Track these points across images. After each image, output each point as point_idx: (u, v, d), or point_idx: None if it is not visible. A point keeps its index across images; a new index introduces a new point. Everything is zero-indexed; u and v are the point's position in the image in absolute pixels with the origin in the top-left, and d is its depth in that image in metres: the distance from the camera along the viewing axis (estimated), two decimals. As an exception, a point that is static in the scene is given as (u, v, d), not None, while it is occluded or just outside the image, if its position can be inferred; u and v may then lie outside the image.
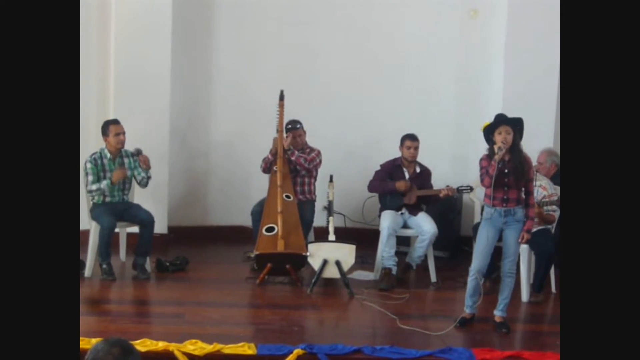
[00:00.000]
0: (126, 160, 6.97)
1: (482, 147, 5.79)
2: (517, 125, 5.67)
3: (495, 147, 5.57)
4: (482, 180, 5.72)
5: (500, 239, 5.79)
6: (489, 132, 5.66)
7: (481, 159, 5.74)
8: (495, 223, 5.68)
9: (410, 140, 7.20)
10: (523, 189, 5.70)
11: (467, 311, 5.84)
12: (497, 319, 5.79)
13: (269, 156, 7.45)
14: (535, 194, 6.51)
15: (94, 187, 6.79)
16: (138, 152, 6.98)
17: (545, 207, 6.51)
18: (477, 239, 5.84)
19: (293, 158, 7.37)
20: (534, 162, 6.99)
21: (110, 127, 6.87)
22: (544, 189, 6.54)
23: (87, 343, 4.72)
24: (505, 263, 5.74)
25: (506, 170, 5.60)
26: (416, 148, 7.20)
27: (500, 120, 5.67)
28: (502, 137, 5.55)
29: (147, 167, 6.97)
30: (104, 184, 6.79)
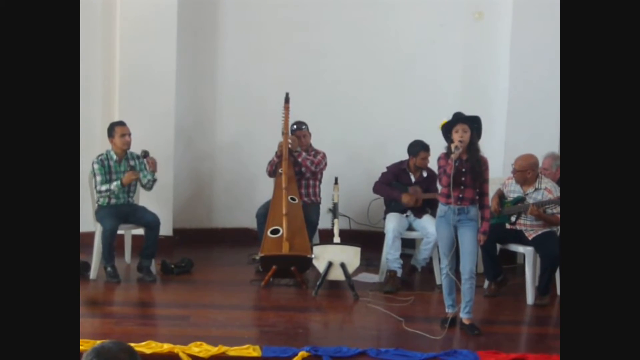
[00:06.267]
0: (132, 163, 6.97)
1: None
2: (474, 123, 5.62)
3: (452, 146, 5.52)
4: (440, 180, 5.70)
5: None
6: (446, 130, 5.62)
7: (439, 158, 5.71)
8: (450, 220, 5.63)
9: (425, 151, 7.20)
10: (478, 189, 5.66)
11: (449, 311, 5.79)
12: (466, 321, 5.71)
13: (275, 159, 7.45)
14: (539, 196, 6.52)
15: (104, 187, 6.80)
16: (145, 154, 6.96)
17: (549, 210, 6.48)
18: (438, 238, 5.85)
19: (300, 159, 7.37)
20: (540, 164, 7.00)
21: (115, 128, 6.88)
22: (549, 191, 6.51)
23: (91, 345, 4.70)
24: (465, 265, 5.63)
25: (463, 170, 5.57)
26: (429, 156, 7.20)
27: (457, 118, 5.64)
28: (459, 135, 5.52)
29: (154, 170, 6.96)
30: (114, 185, 6.79)
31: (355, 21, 8.34)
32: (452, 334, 5.65)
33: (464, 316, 5.73)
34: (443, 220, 5.69)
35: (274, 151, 7.46)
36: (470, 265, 5.63)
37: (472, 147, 5.58)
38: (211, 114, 8.45)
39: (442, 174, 5.63)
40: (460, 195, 5.59)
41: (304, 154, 7.42)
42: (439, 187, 5.79)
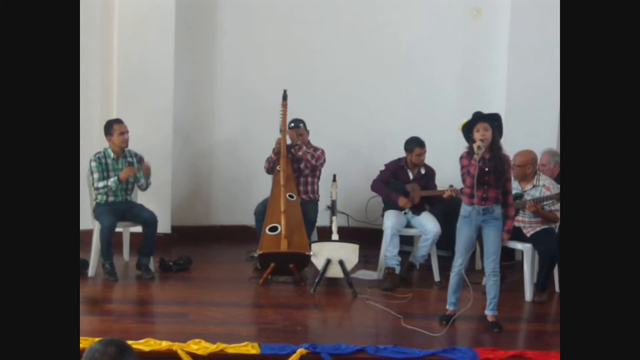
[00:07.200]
0: (130, 161, 6.96)
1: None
2: (495, 121, 5.61)
3: (475, 146, 5.50)
4: (463, 180, 5.66)
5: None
6: (467, 130, 5.60)
7: (461, 157, 5.68)
8: (474, 221, 5.61)
9: (419, 147, 7.18)
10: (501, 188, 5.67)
11: (450, 308, 5.84)
12: (490, 319, 5.77)
13: (272, 156, 7.45)
14: (537, 194, 6.53)
15: (101, 184, 6.78)
16: (140, 160, 6.98)
17: (547, 207, 6.49)
18: (457, 236, 5.80)
19: (300, 153, 7.37)
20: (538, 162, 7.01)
21: (114, 126, 6.86)
22: (547, 189, 6.52)
23: (90, 343, 4.70)
24: (488, 263, 5.69)
25: (486, 169, 5.55)
26: (425, 153, 7.20)
27: (478, 117, 5.61)
28: (481, 134, 5.49)
29: (148, 175, 6.97)
30: (111, 181, 6.78)
31: (354, 19, 8.33)
32: (450, 331, 5.66)
33: (488, 313, 5.78)
34: (467, 220, 5.66)
35: (272, 148, 7.45)
36: (494, 263, 5.68)
37: (494, 146, 5.57)
38: (209, 111, 8.44)
39: (465, 174, 5.60)
40: (484, 195, 5.58)
41: (304, 147, 7.43)
42: (464, 185, 5.72)
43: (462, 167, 5.66)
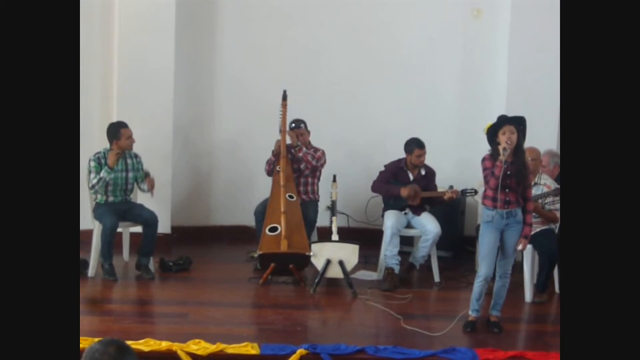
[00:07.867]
0: (129, 161, 6.96)
1: (485, 147, 5.76)
2: (520, 124, 5.58)
3: (500, 148, 5.46)
4: (487, 182, 5.61)
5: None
6: (492, 133, 5.56)
7: (483, 159, 5.64)
8: (497, 225, 5.58)
9: (419, 149, 7.17)
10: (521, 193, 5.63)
11: (472, 314, 5.80)
12: (492, 319, 5.77)
13: (271, 157, 7.45)
14: (538, 192, 6.52)
15: (95, 180, 6.76)
16: (146, 175, 6.98)
17: (547, 207, 6.49)
18: (480, 243, 5.77)
19: (300, 154, 7.37)
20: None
21: (121, 130, 6.83)
22: (548, 187, 6.53)
23: (90, 343, 4.69)
24: (503, 264, 5.70)
25: (509, 172, 5.50)
26: (424, 154, 7.19)
27: (504, 120, 5.58)
28: (507, 137, 5.45)
29: (151, 188, 6.95)
30: (102, 172, 6.76)
31: (354, 19, 8.32)
32: (450, 332, 5.65)
33: (493, 313, 5.79)
34: (490, 226, 5.61)
35: (272, 149, 7.45)
36: (507, 266, 5.69)
37: (518, 150, 5.53)
38: (209, 111, 8.43)
39: (489, 176, 5.55)
40: (507, 199, 5.54)
41: (304, 148, 7.43)
42: (486, 187, 5.64)
43: (485, 168, 5.61)
